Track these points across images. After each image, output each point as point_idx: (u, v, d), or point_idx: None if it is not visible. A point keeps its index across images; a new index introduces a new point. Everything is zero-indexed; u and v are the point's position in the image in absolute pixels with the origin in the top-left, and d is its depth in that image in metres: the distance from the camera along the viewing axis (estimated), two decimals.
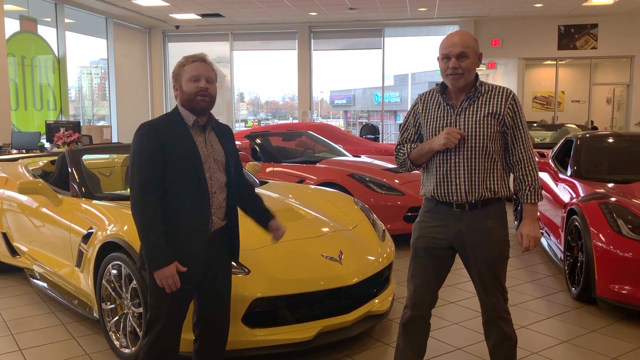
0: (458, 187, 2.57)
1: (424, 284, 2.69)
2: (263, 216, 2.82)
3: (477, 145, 2.55)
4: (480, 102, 2.57)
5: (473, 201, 2.56)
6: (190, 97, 2.49)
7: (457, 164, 2.57)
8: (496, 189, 2.58)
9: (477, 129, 2.54)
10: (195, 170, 2.46)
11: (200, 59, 2.53)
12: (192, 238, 2.46)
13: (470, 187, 2.56)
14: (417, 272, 2.70)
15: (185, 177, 2.44)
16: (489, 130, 2.54)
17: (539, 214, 2.63)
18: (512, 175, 2.67)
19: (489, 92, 2.59)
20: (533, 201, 2.57)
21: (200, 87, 2.48)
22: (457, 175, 2.57)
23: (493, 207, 2.60)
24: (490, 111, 2.55)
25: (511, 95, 2.57)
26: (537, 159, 2.66)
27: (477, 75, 2.61)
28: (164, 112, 4.10)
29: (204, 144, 2.53)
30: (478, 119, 2.55)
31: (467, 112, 2.57)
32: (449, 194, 2.59)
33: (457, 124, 2.57)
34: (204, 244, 2.50)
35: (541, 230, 6.05)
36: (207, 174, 2.49)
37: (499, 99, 2.57)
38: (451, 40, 2.55)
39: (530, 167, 2.58)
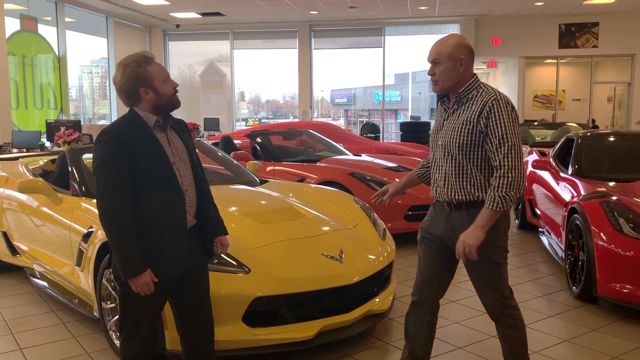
0: (440, 187, 2.64)
1: (419, 271, 2.81)
2: (217, 224, 2.69)
3: (452, 150, 2.56)
4: (463, 108, 2.55)
5: (455, 202, 2.59)
6: (170, 99, 2.46)
7: (439, 167, 2.65)
8: (477, 193, 2.54)
9: (452, 136, 2.55)
10: (166, 171, 2.41)
11: (154, 58, 2.50)
12: (171, 238, 2.41)
13: (447, 189, 2.60)
14: (418, 261, 2.83)
15: (157, 179, 2.39)
16: (462, 138, 2.51)
17: (489, 222, 2.44)
18: None
19: (474, 99, 2.52)
20: (488, 206, 2.44)
21: (175, 86, 2.49)
22: (440, 177, 2.64)
23: (479, 211, 2.52)
24: (465, 119, 2.51)
25: (489, 102, 2.45)
26: (518, 167, 2.41)
27: (475, 79, 2.56)
28: None
29: (167, 143, 2.48)
30: (455, 126, 2.55)
31: (451, 117, 2.60)
32: (437, 194, 2.68)
33: (444, 127, 2.62)
34: (184, 242, 2.45)
35: (542, 229, 6.04)
36: (176, 172, 2.45)
37: (476, 107, 2.49)
38: (431, 47, 2.60)
39: (500, 173, 2.42)
